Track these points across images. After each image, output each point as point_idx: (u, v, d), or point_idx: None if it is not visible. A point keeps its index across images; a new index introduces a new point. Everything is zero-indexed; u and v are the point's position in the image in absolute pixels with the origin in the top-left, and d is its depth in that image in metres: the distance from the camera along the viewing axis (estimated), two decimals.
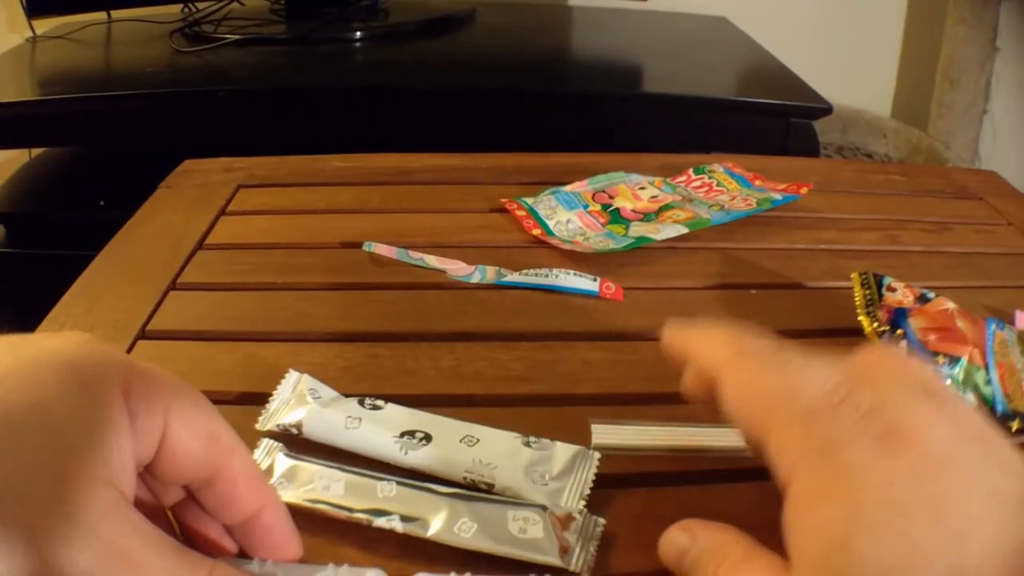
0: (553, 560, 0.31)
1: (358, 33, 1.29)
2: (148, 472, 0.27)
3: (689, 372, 0.32)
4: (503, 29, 1.44)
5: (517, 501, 0.33)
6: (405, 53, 1.28)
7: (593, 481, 0.35)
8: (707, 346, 0.31)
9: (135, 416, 0.25)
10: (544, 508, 0.33)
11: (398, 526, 0.32)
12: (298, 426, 0.37)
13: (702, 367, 0.31)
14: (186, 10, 1.36)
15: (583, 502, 0.34)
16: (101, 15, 1.36)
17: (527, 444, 0.37)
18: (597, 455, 0.36)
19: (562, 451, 0.36)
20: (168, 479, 0.27)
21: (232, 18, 1.32)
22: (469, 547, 0.31)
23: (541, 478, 0.35)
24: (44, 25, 1.31)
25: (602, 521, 0.33)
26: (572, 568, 0.31)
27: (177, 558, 0.24)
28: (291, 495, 0.33)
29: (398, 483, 0.33)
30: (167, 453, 0.26)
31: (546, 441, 0.37)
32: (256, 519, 0.28)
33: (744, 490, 0.34)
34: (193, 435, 0.26)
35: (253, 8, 1.39)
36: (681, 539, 0.29)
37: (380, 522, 0.32)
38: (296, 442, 0.36)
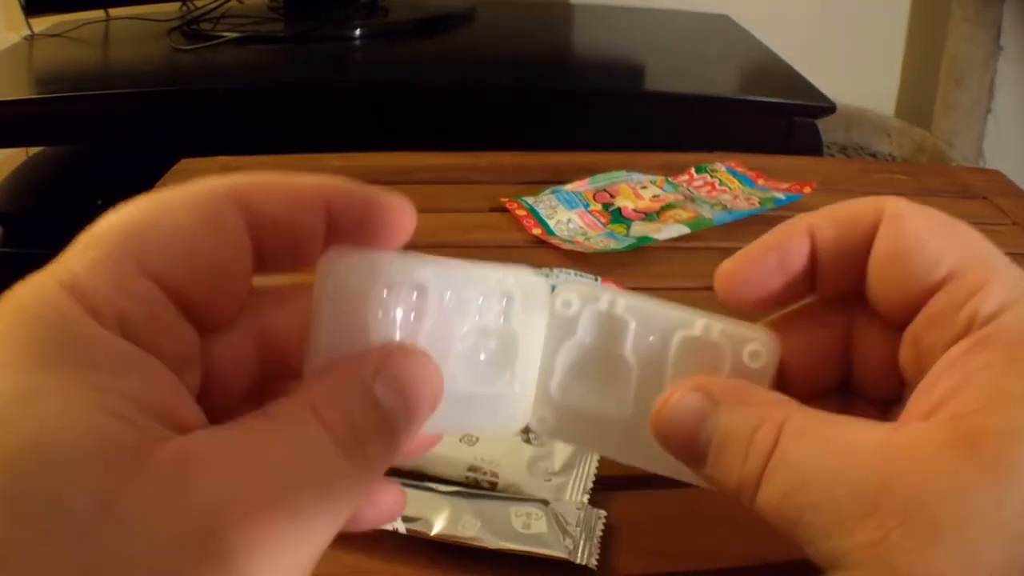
0: (559, 553, 0.31)
1: (357, 31, 1.28)
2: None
3: (825, 227, 0.23)
4: (503, 27, 1.43)
5: (518, 497, 0.34)
6: (404, 51, 1.27)
7: (595, 476, 0.35)
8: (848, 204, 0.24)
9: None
10: (546, 503, 0.33)
11: (401, 527, 0.32)
12: None
13: (852, 213, 0.23)
14: (184, 8, 1.36)
15: (587, 496, 0.34)
16: (99, 13, 1.35)
17: (527, 440, 0.37)
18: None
19: (562, 447, 0.37)
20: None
21: (230, 16, 1.31)
22: (474, 544, 0.31)
23: (544, 474, 0.35)
24: (42, 23, 1.31)
25: (603, 513, 0.33)
26: (578, 561, 0.31)
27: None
28: None
29: (399, 483, 0.33)
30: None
31: (546, 437, 0.37)
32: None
33: None
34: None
35: (252, 6, 1.38)
36: (695, 402, 0.21)
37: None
38: None
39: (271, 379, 0.22)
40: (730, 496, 0.21)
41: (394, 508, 0.22)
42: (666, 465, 0.22)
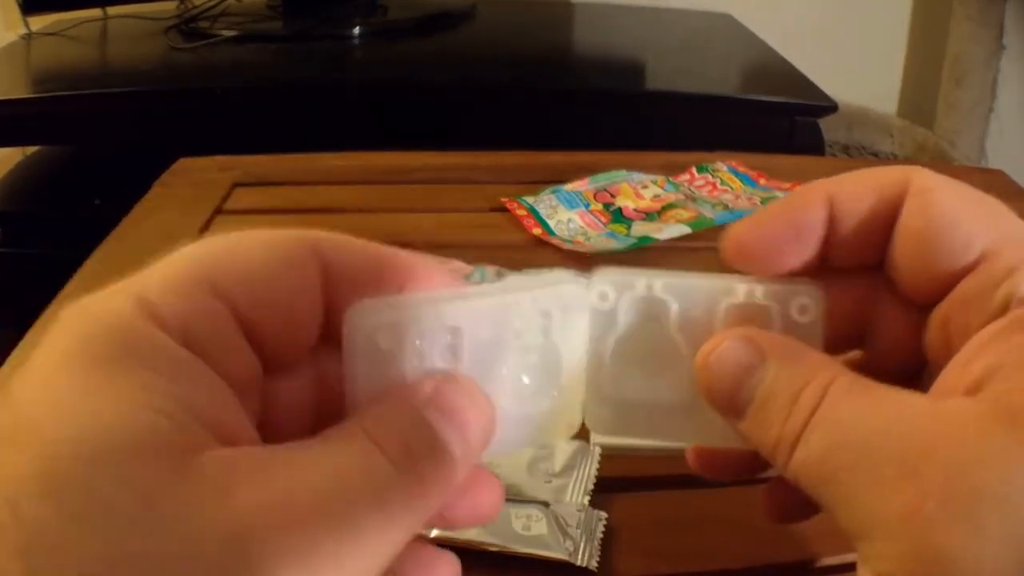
0: (560, 555, 0.31)
1: (356, 29, 1.28)
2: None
3: (845, 196, 0.22)
4: (503, 25, 1.43)
5: (518, 499, 0.33)
6: (404, 50, 1.27)
7: (595, 477, 0.35)
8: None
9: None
10: (546, 505, 0.33)
11: None
12: None
13: (877, 183, 0.22)
14: (182, 6, 1.35)
15: (587, 497, 0.34)
16: (96, 11, 1.35)
17: None
18: (598, 450, 0.36)
19: (563, 448, 0.37)
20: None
21: (228, 14, 1.31)
22: (474, 546, 0.31)
23: (544, 475, 0.35)
24: (39, 22, 1.30)
25: (604, 515, 0.33)
26: (579, 563, 0.31)
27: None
28: None
29: None
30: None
31: None
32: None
33: (748, 492, 0.33)
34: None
35: (250, 4, 1.38)
36: (743, 354, 0.20)
37: None
38: None
39: (325, 427, 0.22)
40: (765, 453, 0.20)
41: (493, 506, 0.21)
42: (734, 436, 0.21)
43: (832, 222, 0.22)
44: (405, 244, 0.22)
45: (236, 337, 0.19)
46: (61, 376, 0.16)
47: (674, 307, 0.22)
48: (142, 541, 0.14)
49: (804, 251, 0.22)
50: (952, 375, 0.19)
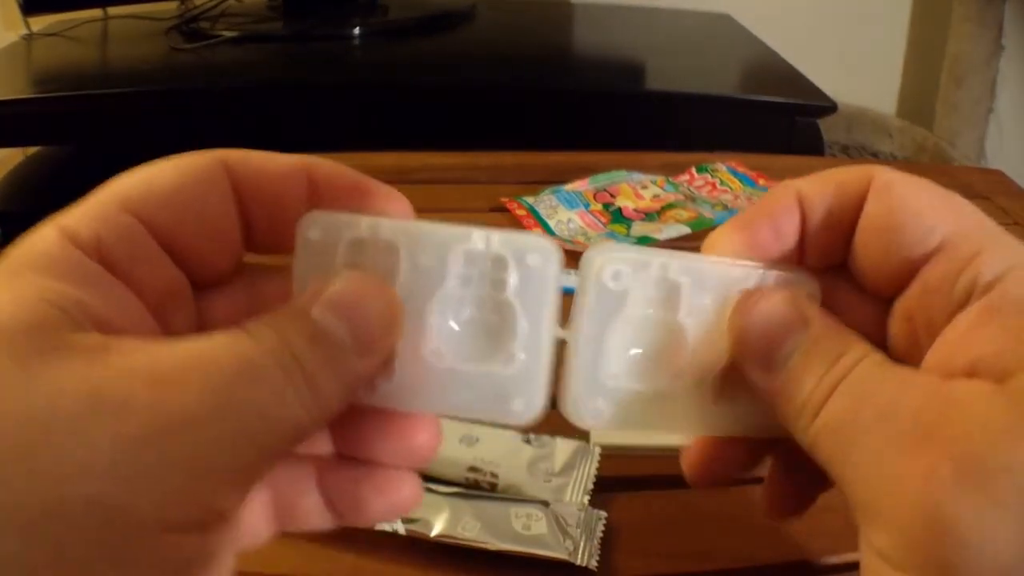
0: (559, 555, 0.31)
1: (356, 30, 1.28)
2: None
3: (814, 195, 0.22)
4: (503, 26, 1.43)
5: (518, 498, 0.34)
6: (404, 50, 1.27)
7: (595, 476, 0.35)
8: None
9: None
10: (546, 504, 0.33)
11: (400, 528, 0.32)
12: None
13: (841, 180, 0.22)
14: (182, 7, 1.35)
15: (587, 497, 0.34)
16: (97, 12, 1.35)
17: (527, 441, 0.37)
18: (598, 450, 0.37)
19: (562, 447, 0.37)
20: None
21: (229, 15, 1.31)
22: (474, 546, 0.31)
23: (544, 475, 0.35)
24: (40, 22, 1.30)
25: (604, 514, 0.33)
26: (579, 562, 0.31)
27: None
28: None
29: None
30: None
31: (546, 438, 0.37)
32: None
33: (747, 492, 0.33)
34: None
35: (250, 5, 1.38)
36: (789, 313, 0.21)
37: (383, 525, 0.32)
38: None
39: None
40: (791, 411, 0.20)
41: (407, 501, 0.21)
42: (738, 426, 0.21)
43: (804, 223, 0.22)
44: None
45: (153, 251, 0.20)
46: None
47: (685, 291, 0.21)
48: (15, 399, 0.16)
49: (785, 250, 0.23)
50: (936, 365, 0.20)
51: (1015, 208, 0.66)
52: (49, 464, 0.16)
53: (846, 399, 0.19)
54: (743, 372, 0.21)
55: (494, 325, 0.21)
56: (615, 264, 0.21)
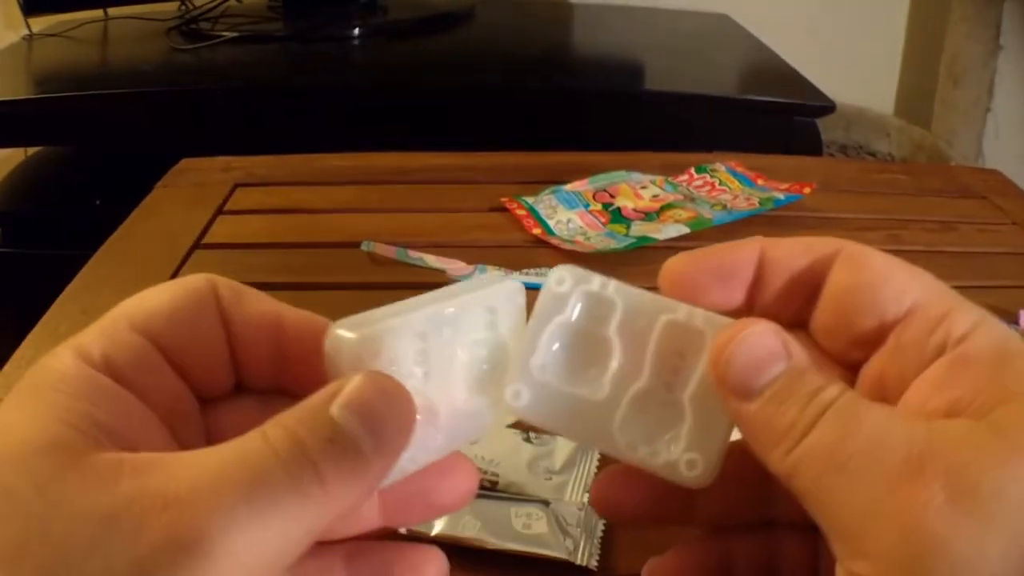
0: (559, 554, 0.31)
1: (356, 30, 1.28)
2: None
3: (778, 247, 0.24)
4: (503, 26, 1.43)
5: (518, 497, 0.34)
6: (404, 50, 1.27)
7: (595, 475, 0.35)
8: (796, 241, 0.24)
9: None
10: (547, 503, 0.33)
11: (400, 527, 0.32)
12: None
13: (809, 241, 0.23)
14: (183, 7, 1.35)
15: (587, 495, 0.34)
16: (98, 12, 1.35)
17: (527, 440, 0.37)
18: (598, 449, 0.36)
19: (562, 445, 0.37)
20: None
21: (229, 15, 1.31)
22: (474, 545, 0.32)
23: (544, 473, 0.35)
24: (40, 23, 1.31)
25: None
26: (579, 562, 0.31)
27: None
28: None
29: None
30: None
31: (545, 436, 0.37)
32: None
33: None
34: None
35: (250, 5, 1.38)
36: (773, 343, 0.21)
37: None
38: None
39: None
40: (768, 440, 0.20)
41: (468, 491, 0.23)
42: (632, 455, 0.22)
43: (762, 275, 0.23)
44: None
45: (158, 363, 0.21)
46: (9, 409, 0.19)
47: (619, 310, 0.23)
48: (32, 523, 0.17)
49: (731, 293, 0.23)
50: (912, 409, 0.21)
51: (1012, 208, 0.66)
52: None
53: (830, 429, 0.19)
54: (719, 395, 0.22)
55: (489, 359, 0.23)
56: (562, 272, 0.23)
